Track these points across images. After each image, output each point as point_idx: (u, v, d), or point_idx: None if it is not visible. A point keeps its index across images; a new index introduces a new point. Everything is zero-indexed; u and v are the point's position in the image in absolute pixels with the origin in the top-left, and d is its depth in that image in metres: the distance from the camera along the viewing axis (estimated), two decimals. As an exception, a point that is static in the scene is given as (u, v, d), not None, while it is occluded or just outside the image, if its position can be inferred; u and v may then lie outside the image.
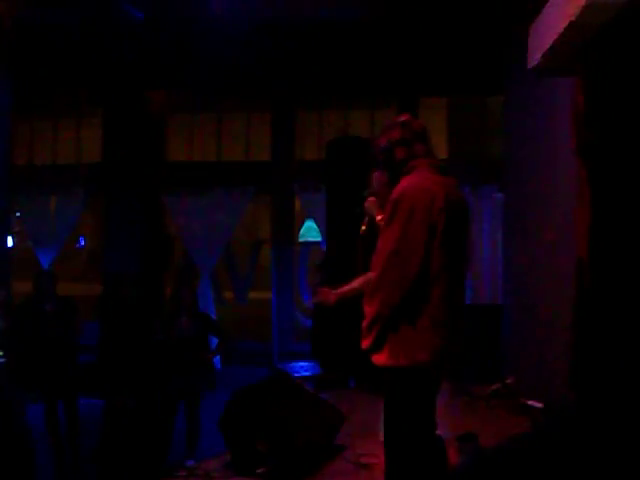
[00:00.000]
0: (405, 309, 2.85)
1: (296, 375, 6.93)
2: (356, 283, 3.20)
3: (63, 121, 11.12)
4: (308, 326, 9.63)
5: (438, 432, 3.03)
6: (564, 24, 4.03)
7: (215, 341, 6.39)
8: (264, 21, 8.52)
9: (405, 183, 2.91)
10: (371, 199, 3.35)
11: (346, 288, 3.26)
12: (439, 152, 7.06)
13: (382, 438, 3.54)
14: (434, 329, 2.84)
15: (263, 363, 8.97)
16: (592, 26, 3.92)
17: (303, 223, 10.60)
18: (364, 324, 2.97)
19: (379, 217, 3.22)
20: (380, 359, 2.94)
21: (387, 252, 2.84)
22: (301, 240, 10.58)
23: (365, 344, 2.96)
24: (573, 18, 3.89)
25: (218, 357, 7.72)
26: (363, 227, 3.36)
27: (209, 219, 10.16)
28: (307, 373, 7.66)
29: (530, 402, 5.74)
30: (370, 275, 2.98)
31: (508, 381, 6.54)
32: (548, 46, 4.45)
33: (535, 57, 4.83)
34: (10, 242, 7.77)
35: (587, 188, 4.35)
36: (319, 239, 10.00)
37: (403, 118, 3.07)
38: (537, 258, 6.26)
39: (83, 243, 15.86)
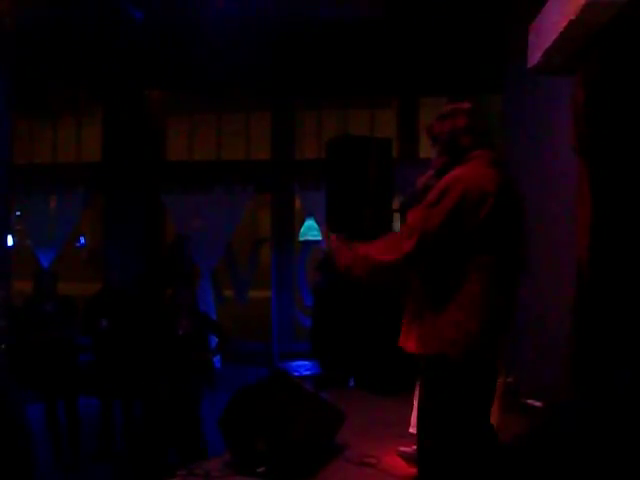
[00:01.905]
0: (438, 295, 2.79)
1: (296, 374, 6.93)
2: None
3: (63, 120, 11.14)
4: (308, 325, 9.63)
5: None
6: (564, 23, 4.03)
7: (215, 341, 6.39)
8: (264, 21, 8.52)
9: (459, 172, 2.82)
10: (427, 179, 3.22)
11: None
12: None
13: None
14: (470, 317, 2.75)
15: (263, 363, 8.98)
16: (592, 25, 3.92)
17: (303, 222, 10.60)
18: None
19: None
20: (410, 346, 2.90)
21: (412, 226, 2.75)
22: (301, 239, 10.58)
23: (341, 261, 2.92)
24: (573, 17, 3.88)
25: (218, 357, 7.73)
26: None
27: (209, 218, 10.17)
28: (307, 372, 7.65)
29: (530, 401, 5.74)
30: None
31: (508, 380, 6.54)
32: (548, 45, 4.44)
33: (535, 56, 4.82)
34: (10, 241, 7.76)
35: (587, 187, 4.34)
36: (319, 238, 10.00)
37: (468, 105, 3.03)
38: (537, 258, 6.26)
39: (83, 242, 15.87)
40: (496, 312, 2.86)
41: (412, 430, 4.50)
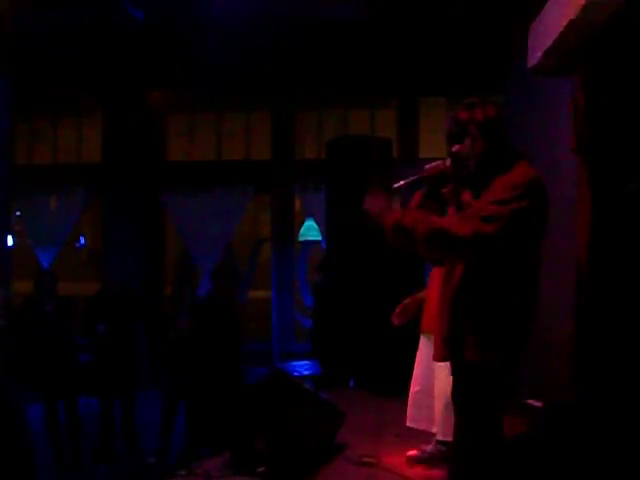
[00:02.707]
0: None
1: (296, 374, 6.93)
2: None
3: (63, 120, 11.13)
4: (308, 325, 9.63)
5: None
6: (564, 23, 4.03)
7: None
8: (264, 20, 8.52)
9: (527, 173, 2.77)
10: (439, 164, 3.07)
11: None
12: (439, 152, 7.07)
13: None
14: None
15: (263, 363, 8.97)
16: (592, 25, 3.92)
17: (303, 222, 10.60)
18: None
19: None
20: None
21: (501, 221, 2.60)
22: (301, 239, 10.58)
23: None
24: (573, 17, 3.88)
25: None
26: (402, 182, 3.01)
27: (209, 218, 10.17)
28: (307, 372, 7.65)
29: (530, 401, 5.73)
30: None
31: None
32: (548, 45, 4.45)
33: (535, 56, 4.82)
34: (10, 242, 7.75)
35: (587, 187, 4.35)
36: (319, 238, 10.00)
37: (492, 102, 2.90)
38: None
39: (83, 242, 15.86)
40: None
41: (410, 424, 4.49)
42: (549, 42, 4.40)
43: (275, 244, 10.31)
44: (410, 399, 4.52)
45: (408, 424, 4.52)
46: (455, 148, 2.84)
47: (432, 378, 4.22)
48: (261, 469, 4.62)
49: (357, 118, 10.38)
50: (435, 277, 4.26)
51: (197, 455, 5.60)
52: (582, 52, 4.34)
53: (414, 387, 4.52)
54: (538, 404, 5.58)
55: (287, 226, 10.37)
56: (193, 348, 6.03)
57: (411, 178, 2.99)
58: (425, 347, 4.38)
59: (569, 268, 4.85)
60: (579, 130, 4.43)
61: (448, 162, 2.94)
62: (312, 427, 4.75)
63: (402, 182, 2.97)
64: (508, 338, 2.70)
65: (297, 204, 10.58)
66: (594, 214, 4.28)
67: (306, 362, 7.79)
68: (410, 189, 3.00)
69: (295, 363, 7.75)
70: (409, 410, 4.52)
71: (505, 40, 7.29)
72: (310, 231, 10.32)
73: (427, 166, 3.03)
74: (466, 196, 2.85)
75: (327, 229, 8.64)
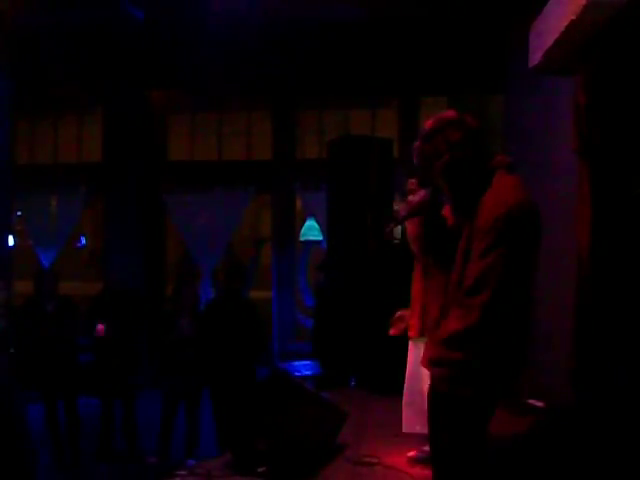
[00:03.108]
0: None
1: (297, 374, 6.92)
2: None
3: (64, 120, 11.13)
4: (308, 325, 9.62)
5: None
6: (565, 23, 4.03)
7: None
8: (265, 20, 8.52)
9: (499, 194, 2.58)
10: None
11: None
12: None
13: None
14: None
15: (263, 363, 8.96)
16: (594, 25, 3.91)
17: (304, 222, 10.60)
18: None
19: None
20: None
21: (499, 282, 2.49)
22: (302, 239, 10.58)
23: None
24: (574, 17, 3.88)
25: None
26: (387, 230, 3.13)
27: (210, 218, 10.17)
28: (308, 372, 7.64)
29: (531, 401, 5.73)
30: None
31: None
32: (549, 45, 4.44)
33: (536, 56, 4.81)
34: (11, 241, 7.76)
35: (587, 187, 4.34)
36: (320, 238, 10.00)
37: (453, 114, 2.76)
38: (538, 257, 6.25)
39: (84, 242, 15.86)
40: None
41: (406, 430, 4.49)
42: (550, 42, 4.39)
43: (276, 244, 10.31)
44: (403, 405, 4.53)
45: (404, 430, 4.51)
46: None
47: (422, 381, 4.22)
48: (262, 469, 4.62)
49: (358, 118, 10.37)
50: (417, 279, 4.27)
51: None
52: (583, 52, 4.33)
53: (405, 393, 4.53)
54: (538, 404, 5.58)
55: (288, 226, 10.36)
56: (211, 347, 6.07)
57: (392, 225, 3.11)
58: (413, 351, 4.39)
59: (569, 268, 4.84)
60: (580, 130, 4.42)
61: (423, 194, 2.98)
62: (313, 427, 4.75)
63: (391, 226, 3.08)
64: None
65: (298, 204, 10.58)
66: (594, 214, 4.27)
67: (307, 362, 7.79)
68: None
69: (296, 363, 7.75)
70: (403, 416, 4.53)
71: (505, 40, 7.29)
72: (311, 231, 10.31)
73: (402, 207, 3.12)
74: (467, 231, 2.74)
75: (328, 229, 8.64)
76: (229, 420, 5.09)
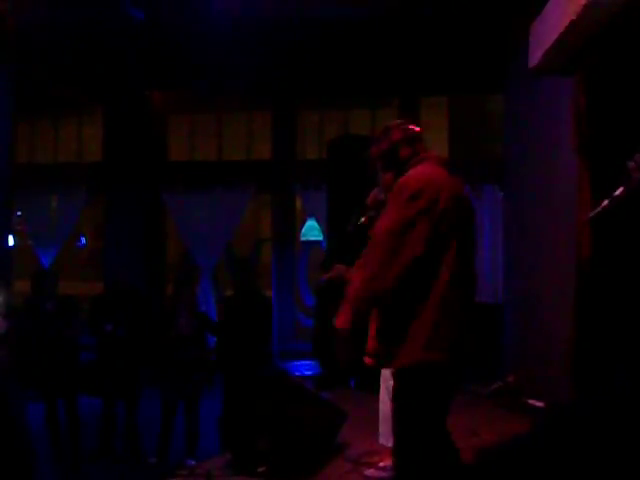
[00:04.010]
0: (404, 301, 2.74)
1: (297, 374, 6.93)
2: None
3: (64, 120, 11.15)
4: (308, 325, 9.63)
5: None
6: (565, 23, 4.03)
7: (213, 340, 6.40)
8: (265, 21, 8.51)
9: (412, 172, 2.86)
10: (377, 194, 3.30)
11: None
12: (439, 151, 7.08)
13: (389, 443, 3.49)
14: (444, 324, 2.71)
15: (263, 363, 8.96)
16: (593, 25, 3.92)
17: (304, 222, 10.60)
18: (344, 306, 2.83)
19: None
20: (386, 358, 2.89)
21: (385, 232, 2.73)
22: (302, 239, 10.58)
23: (339, 323, 2.80)
24: (574, 17, 3.88)
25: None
26: (363, 219, 3.33)
27: (210, 218, 10.18)
28: (308, 372, 7.66)
29: (531, 401, 5.74)
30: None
31: (509, 380, 6.53)
32: (549, 45, 4.44)
33: (536, 56, 4.82)
34: (11, 241, 7.76)
35: (587, 187, 4.35)
36: (320, 238, 10.01)
37: (398, 122, 3.11)
38: (538, 257, 6.26)
39: (84, 242, 15.86)
40: (465, 320, 2.83)
41: (384, 441, 4.39)
42: (550, 42, 4.40)
43: (276, 244, 10.31)
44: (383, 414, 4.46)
45: (380, 441, 4.45)
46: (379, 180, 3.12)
47: None
48: (262, 469, 4.62)
49: (358, 118, 10.38)
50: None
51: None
52: (583, 52, 4.33)
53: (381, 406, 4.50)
54: (539, 404, 5.59)
55: (288, 226, 10.37)
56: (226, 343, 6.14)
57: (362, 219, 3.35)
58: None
59: (569, 268, 4.85)
60: (579, 130, 4.43)
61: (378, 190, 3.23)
62: (312, 427, 4.76)
63: (364, 219, 3.32)
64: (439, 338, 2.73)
65: (298, 204, 10.58)
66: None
67: (307, 362, 7.79)
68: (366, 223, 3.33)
69: (296, 363, 7.76)
70: (381, 425, 4.48)
71: (505, 40, 7.29)
72: (312, 231, 10.32)
73: (368, 200, 3.38)
74: None
75: (328, 229, 8.64)
76: (229, 420, 5.08)
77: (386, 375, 4.19)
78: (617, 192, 2.91)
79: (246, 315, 6.25)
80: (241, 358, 6.14)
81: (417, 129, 3.08)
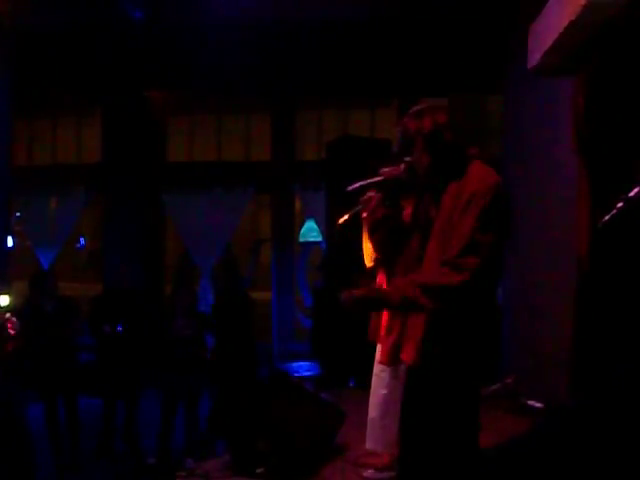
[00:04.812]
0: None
1: (296, 375, 6.93)
2: None
3: (63, 121, 11.15)
4: (308, 326, 9.62)
5: None
6: (564, 24, 4.04)
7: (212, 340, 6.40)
8: (264, 21, 8.52)
9: (480, 174, 2.68)
10: (374, 195, 3.11)
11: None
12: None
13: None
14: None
15: (263, 363, 8.97)
16: (592, 26, 3.92)
17: (303, 223, 10.60)
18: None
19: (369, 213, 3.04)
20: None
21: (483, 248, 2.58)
22: (301, 240, 10.58)
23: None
24: (573, 18, 3.89)
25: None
26: (346, 217, 3.08)
27: (209, 219, 10.16)
28: (307, 373, 7.65)
29: (530, 402, 5.74)
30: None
31: (508, 381, 6.53)
32: (548, 46, 4.45)
33: (535, 57, 4.82)
34: (10, 242, 7.76)
35: (587, 187, 4.35)
36: (319, 239, 10.01)
37: (444, 103, 2.96)
38: (537, 258, 6.26)
39: (83, 243, 15.86)
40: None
41: (370, 446, 4.35)
42: (549, 42, 4.40)
43: (275, 245, 10.31)
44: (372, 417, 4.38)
45: (368, 446, 4.38)
46: (407, 159, 2.84)
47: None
48: (261, 470, 4.62)
49: (357, 118, 10.39)
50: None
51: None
52: (582, 53, 4.34)
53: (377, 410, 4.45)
54: (538, 405, 5.59)
55: (287, 227, 10.37)
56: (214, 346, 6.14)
57: (367, 181, 2.99)
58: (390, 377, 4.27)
59: (569, 268, 4.85)
60: (579, 130, 4.43)
61: (402, 167, 2.93)
62: (312, 427, 4.76)
63: (357, 184, 2.98)
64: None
65: (297, 204, 10.58)
66: (594, 214, 4.28)
67: (306, 363, 7.79)
68: (364, 191, 3.02)
69: (295, 364, 7.76)
70: (369, 429, 4.41)
71: (505, 40, 7.30)
72: (311, 232, 10.32)
73: (382, 170, 3.00)
74: (433, 212, 2.81)
75: (327, 230, 8.65)
76: (229, 420, 5.08)
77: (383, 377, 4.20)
78: (632, 193, 2.86)
79: (233, 316, 6.26)
80: (232, 359, 6.15)
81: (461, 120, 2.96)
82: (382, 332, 3.57)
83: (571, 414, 4.02)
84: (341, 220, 3.08)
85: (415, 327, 2.74)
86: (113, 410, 6.29)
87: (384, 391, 4.21)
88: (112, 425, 6.28)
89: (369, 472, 4.41)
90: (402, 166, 2.89)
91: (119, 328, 6.16)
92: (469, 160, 2.76)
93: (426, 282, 2.60)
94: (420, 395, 2.76)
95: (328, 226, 8.47)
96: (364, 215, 3.07)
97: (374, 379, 4.31)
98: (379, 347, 4.16)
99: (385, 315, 3.76)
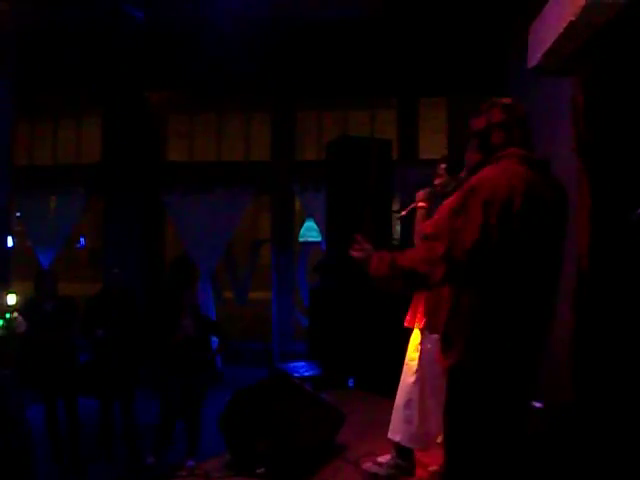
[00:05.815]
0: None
1: (296, 375, 6.93)
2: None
3: (63, 121, 11.14)
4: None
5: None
6: (565, 24, 4.03)
7: (216, 342, 6.39)
8: (264, 21, 8.52)
9: (484, 173, 2.66)
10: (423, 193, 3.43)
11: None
12: (439, 152, 7.08)
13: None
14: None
15: (263, 363, 8.97)
16: (593, 26, 3.92)
17: (303, 223, 10.60)
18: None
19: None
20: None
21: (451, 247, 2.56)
22: (301, 240, 10.58)
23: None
24: (574, 18, 3.88)
25: (218, 357, 7.72)
26: (403, 213, 3.54)
27: (209, 219, 10.16)
28: (307, 373, 7.64)
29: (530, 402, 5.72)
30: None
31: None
32: (548, 46, 4.44)
33: (535, 57, 4.82)
34: (10, 242, 7.75)
35: (587, 188, 4.35)
36: (319, 239, 10.00)
37: (505, 100, 2.83)
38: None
39: (83, 243, 15.87)
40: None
41: (390, 435, 4.35)
42: (549, 43, 4.40)
43: (275, 245, 10.30)
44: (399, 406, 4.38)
45: (390, 436, 4.36)
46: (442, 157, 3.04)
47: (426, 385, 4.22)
48: (261, 470, 4.63)
49: (357, 119, 10.37)
50: None
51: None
52: (582, 53, 4.33)
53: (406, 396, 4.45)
54: (538, 404, 5.58)
55: (287, 227, 10.36)
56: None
57: (410, 206, 3.54)
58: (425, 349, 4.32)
59: (569, 268, 4.85)
60: (579, 131, 4.43)
61: (437, 181, 3.12)
62: (312, 428, 4.76)
63: (404, 212, 3.47)
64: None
65: (297, 205, 10.58)
66: (594, 214, 4.28)
67: (306, 363, 7.79)
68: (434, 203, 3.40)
69: (295, 364, 7.75)
70: (394, 418, 4.43)
71: (505, 40, 7.30)
72: (310, 232, 10.32)
73: (419, 194, 3.48)
74: None
75: (327, 230, 8.64)
76: (229, 420, 5.08)
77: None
78: None
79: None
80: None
81: (521, 112, 2.82)
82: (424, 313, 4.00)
83: (572, 413, 4.02)
84: (403, 213, 3.61)
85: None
86: (110, 410, 6.29)
87: (411, 379, 4.23)
88: (110, 426, 6.28)
89: (367, 464, 4.42)
90: (442, 167, 3.06)
91: (110, 334, 6.15)
92: (497, 159, 2.72)
93: (403, 266, 2.67)
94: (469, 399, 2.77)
95: (328, 226, 8.46)
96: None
97: (404, 368, 4.31)
98: (413, 335, 4.29)
99: (422, 303, 4.15)
